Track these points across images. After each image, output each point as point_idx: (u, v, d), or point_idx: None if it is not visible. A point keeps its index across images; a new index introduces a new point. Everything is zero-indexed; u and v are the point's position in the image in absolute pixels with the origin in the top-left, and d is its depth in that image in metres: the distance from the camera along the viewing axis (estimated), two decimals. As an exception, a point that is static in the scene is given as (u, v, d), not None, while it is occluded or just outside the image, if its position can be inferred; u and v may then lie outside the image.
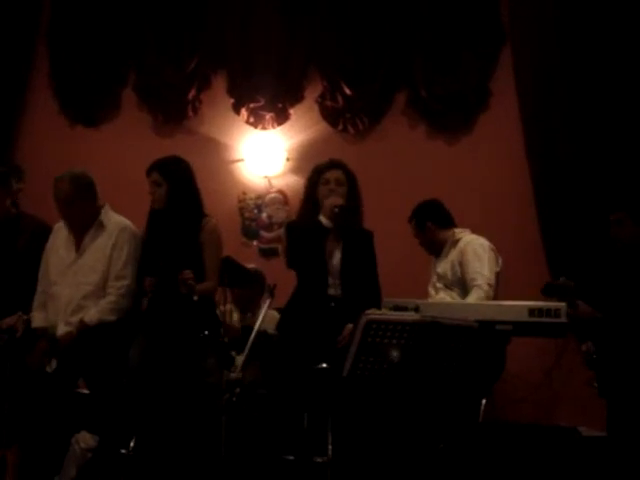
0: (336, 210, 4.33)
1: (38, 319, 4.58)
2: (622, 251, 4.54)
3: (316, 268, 4.38)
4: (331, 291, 4.39)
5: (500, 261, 4.95)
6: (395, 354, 3.60)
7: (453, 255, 4.96)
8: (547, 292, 4.32)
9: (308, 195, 4.55)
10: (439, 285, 4.98)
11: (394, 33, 6.37)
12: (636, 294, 4.32)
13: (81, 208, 4.57)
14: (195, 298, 4.31)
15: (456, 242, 4.99)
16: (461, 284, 4.87)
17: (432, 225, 5.10)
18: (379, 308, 4.32)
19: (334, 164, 4.54)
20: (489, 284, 4.74)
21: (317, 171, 4.56)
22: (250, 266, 5.45)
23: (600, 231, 5.02)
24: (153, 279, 4.46)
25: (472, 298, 4.72)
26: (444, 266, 4.97)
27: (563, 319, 4.18)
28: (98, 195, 4.66)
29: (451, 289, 4.91)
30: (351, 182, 4.52)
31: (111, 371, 4.47)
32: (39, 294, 4.63)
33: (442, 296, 4.92)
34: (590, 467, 4.89)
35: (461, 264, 4.87)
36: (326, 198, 4.41)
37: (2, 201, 4.86)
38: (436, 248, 5.10)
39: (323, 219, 4.36)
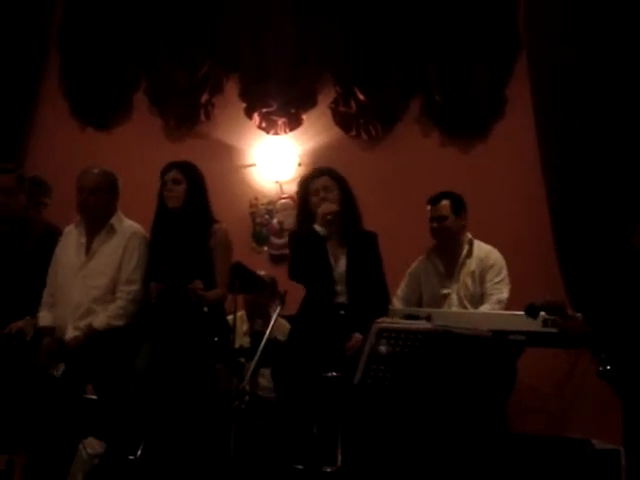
0: (329, 217, 4.31)
1: (45, 318, 4.57)
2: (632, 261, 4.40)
3: (321, 277, 4.36)
4: (339, 299, 4.37)
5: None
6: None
7: (472, 265, 4.81)
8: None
9: (301, 208, 4.56)
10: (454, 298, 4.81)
11: (409, 38, 6.33)
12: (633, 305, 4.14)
13: (102, 201, 4.59)
14: (205, 309, 4.29)
15: (471, 249, 4.86)
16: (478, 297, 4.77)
17: (465, 215, 4.87)
18: (387, 312, 4.29)
19: (318, 172, 4.56)
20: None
21: (304, 183, 4.58)
22: (261, 273, 5.40)
23: (616, 240, 4.95)
24: (159, 285, 4.43)
25: (486, 307, 4.67)
26: (464, 278, 4.80)
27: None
28: (119, 197, 4.69)
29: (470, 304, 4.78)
30: (341, 185, 4.48)
31: (119, 376, 4.45)
32: (47, 296, 4.62)
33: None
34: (603, 480, 4.85)
35: (482, 277, 4.76)
36: (318, 207, 4.38)
37: (15, 199, 4.80)
38: (449, 243, 4.86)
39: (318, 227, 4.34)
